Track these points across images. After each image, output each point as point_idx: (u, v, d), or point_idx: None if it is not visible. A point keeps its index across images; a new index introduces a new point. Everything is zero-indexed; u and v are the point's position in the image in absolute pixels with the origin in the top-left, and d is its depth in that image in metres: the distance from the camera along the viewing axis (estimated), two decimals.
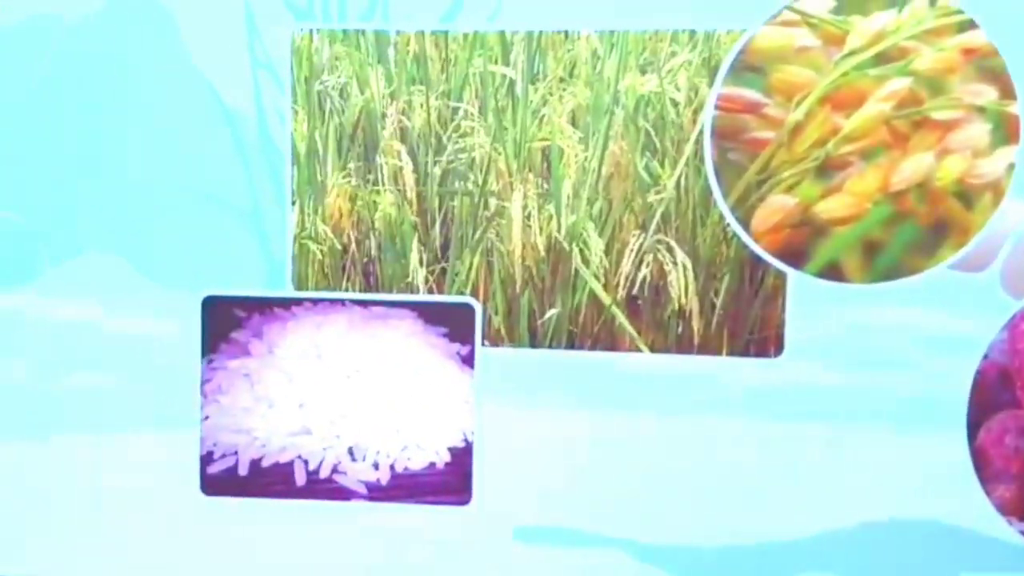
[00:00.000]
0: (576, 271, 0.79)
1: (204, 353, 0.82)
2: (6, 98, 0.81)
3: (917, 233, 0.75)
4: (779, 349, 0.78)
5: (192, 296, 0.81)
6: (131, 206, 0.81)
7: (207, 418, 0.82)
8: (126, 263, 0.81)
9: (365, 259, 0.80)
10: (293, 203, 0.80)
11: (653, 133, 0.77)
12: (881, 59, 0.74)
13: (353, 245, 0.80)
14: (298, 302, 0.81)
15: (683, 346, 0.78)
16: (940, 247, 0.76)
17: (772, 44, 0.75)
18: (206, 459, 0.82)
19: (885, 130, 0.75)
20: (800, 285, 0.77)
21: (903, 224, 0.75)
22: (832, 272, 0.76)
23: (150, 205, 0.81)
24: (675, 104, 0.77)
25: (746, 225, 0.77)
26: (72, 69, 0.80)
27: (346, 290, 0.81)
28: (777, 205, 0.76)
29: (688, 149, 0.77)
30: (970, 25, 0.73)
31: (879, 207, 0.75)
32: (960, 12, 0.73)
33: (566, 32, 0.77)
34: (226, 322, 0.81)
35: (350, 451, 0.81)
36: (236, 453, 0.82)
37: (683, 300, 0.78)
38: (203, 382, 0.82)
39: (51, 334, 0.82)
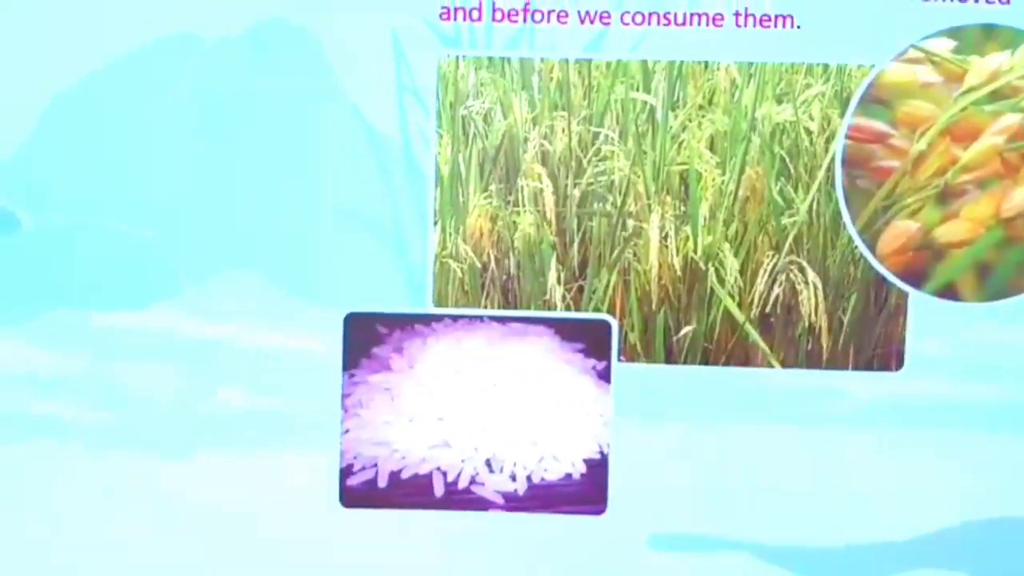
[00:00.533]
0: (711, 290, 0.82)
1: (346, 368, 0.84)
2: (146, 118, 0.82)
3: None
4: (900, 363, 0.82)
5: (335, 313, 0.83)
6: (275, 225, 0.83)
7: (348, 431, 0.84)
8: (269, 281, 0.83)
9: (504, 277, 0.83)
10: (435, 223, 0.83)
11: (787, 159, 0.81)
12: (996, 96, 0.79)
13: (493, 264, 0.83)
14: (438, 319, 0.84)
15: (812, 361, 0.83)
16: None
17: (898, 80, 0.80)
18: (346, 472, 0.84)
19: (998, 161, 0.80)
20: (920, 304, 0.82)
21: (1013, 248, 0.81)
22: (949, 292, 0.81)
23: (294, 224, 0.83)
24: (809, 133, 0.81)
25: (872, 247, 0.81)
26: (213, 89, 0.82)
27: (485, 307, 0.84)
28: (901, 229, 0.81)
29: (820, 175, 0.81)
30: None
31: (992, 232, 0.80)
32: None
33: (706, 62, 0.81)
34: (368, 338, 0.84)
35: (488, 463, 0.84)
36: (376, 465, 0.84)
37: (813, 318, 0.82)
38: (344, 396, 0.84)
39: (194, 351, 0.84)
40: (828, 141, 0.81)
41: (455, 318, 0.84)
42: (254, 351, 0.84)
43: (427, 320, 0.84)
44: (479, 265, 0.83)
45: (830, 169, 0.81)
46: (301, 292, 0.84)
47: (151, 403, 0.84)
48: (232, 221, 0.83)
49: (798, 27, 0.80)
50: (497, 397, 0.84)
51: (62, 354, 0.84)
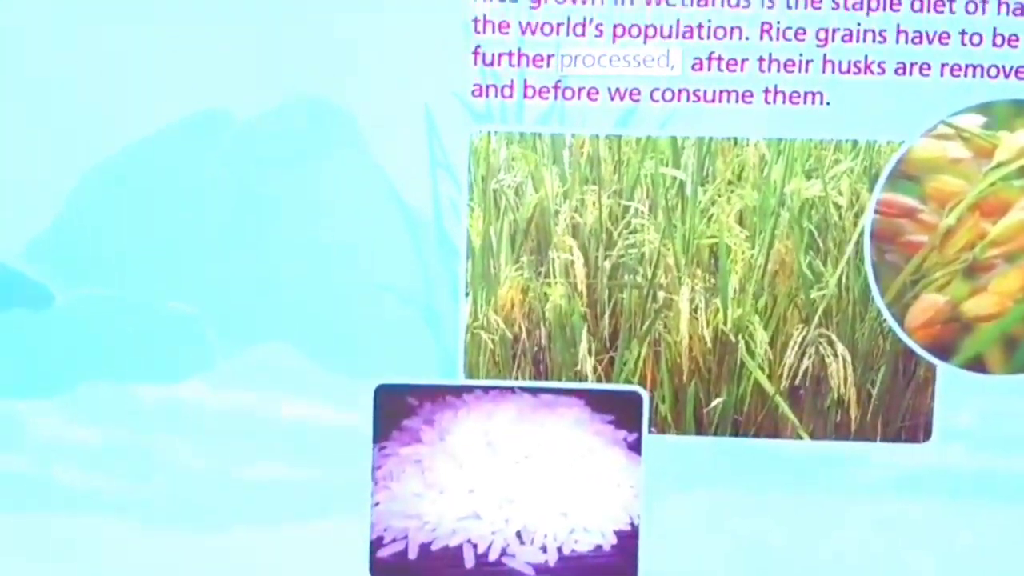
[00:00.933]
0: (742, 362, 0.83)
1: (376, 440, 0.84)
2: (179, 193, 0.83)
3: None
4: (928, 435, 0.83)
5: (366, 385, 0.84)
6: (308, 298, 0.83)
7: (378, 504, 0.84)
8: (301, 353, 0.84)
9: (535, 348, 0.84)
10: (467, 294, 0.83)
11: (816, 234, 0.82)
12: None
13: (524, 335, 0.84)
14: (469, 390, 0.84)
15: (841, 433, 0.83)
16: None
17: (928, 155, 0.81)
18: (376, 543, 0.85)
19: None
20: (948, 376, 0.82)
21: None
22: (977, 364, 0.82)
23: (327, 297, 0.84)
24: (838, 208, 0.82)
25: (901, 321, 0.82)
26: (245, 165, 0.83)
27: (516, 378, 0.84)
28: (929, 303, 0.82)
29: (849, 249, 0.82)
30: None
31: (1020, 306, 0.81)
32: None
33: (735, 139, 0.82)
34: (399, 410, 0.84)
35: (518, 534, 0.84)
36: (406, 537, 0.84)
37: (842, 390, 0.83)
38: (375, 468, 0.85)
39: (226, 424, 0.84)
40: (857, 216, 0.82)
41: (486, 389, 0.84)
42: (286, 423, 0.84)
43: (458, 391, 0.84)
44: (510, 336, 0.84)
45: (859, 243, 0.82)
46: (333, 364, 0.84)
47: (184, 476, 0.84)
48: (265, 294, 0.84)
49: (827, 104, 0.81)
50: (528, 469, 0.84)
51: (96, 427, 0.84)
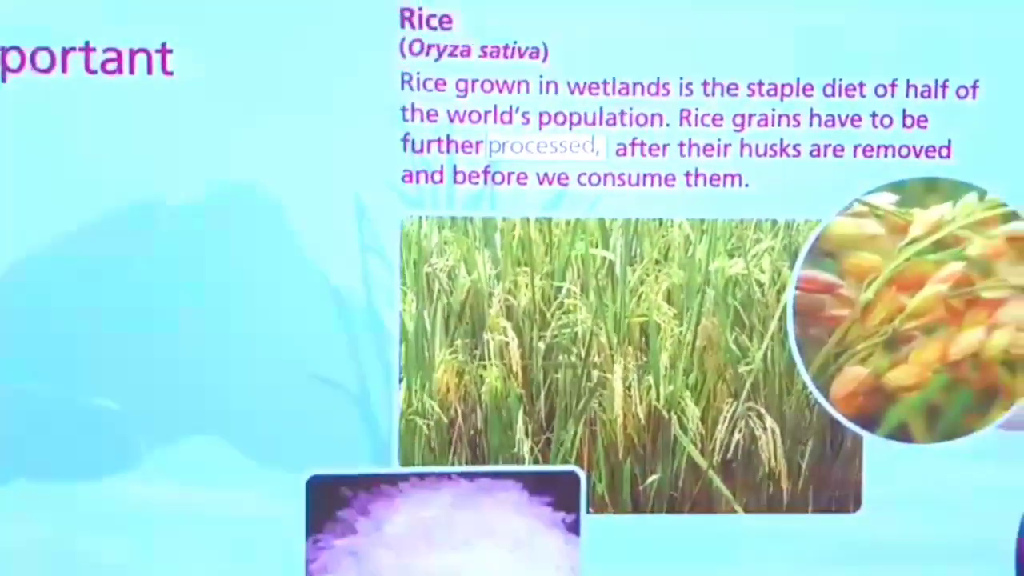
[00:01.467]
0: (675, 438, 0.84)
1: (309, 533, 0.82)
2: (104, 282, 0.81)
3: (971, 398, 0.85)
4: (858, 505, 0.85)
5: (298, 477, 0.82)
6: (236, 388, 0.82)
7: None
8: (231, 446, 0.82)
9: (472, 432, 0.84)
10: (401, 380, 0.83)
11: (741, 310, 0.85)
12: (939, 246, 0.84)
13: (460, 419, 0.83)
14: (404, 478, 0.83)
15: (773, 505, 0.85)
16: (991, 410, 0.85)
17: (844, 232, 0.84)
18: None
19: (943, 308, 0.84)
20: (874, 446, 0.85)
21: (959, 390, 0.85)
22: (901, 434, 0.85)
23: (255, 387, 0.82)
24: (760, 285, 0.85)
25: (826, 393, 0.85)
26: (173, 255, 0.81)
27: (453, 463, 0.83)
28: (852, 375, 0.85)
29: (773, 325, 0.85)
30: (1013, 216, 0.84)
31: (939, 376, 0.85)
32: (1004, 205, 0.84)
33: (660, 220, 0.84)
34: (332, 501, 0.83)
35: None
36: None
37: (773, 463, 0.84)
38: (308, 562, 0.82)
39: (153, 521, 0.81)
40: (779, 292, 0.85)
41: (422, 476, 0.83)
42: (215, 519, 0.82)
43: (393, 480, 0.83)
44: (446, 421, 0.83)
45: (782, 319, 0.84)
46: (263, 456, 0.82)
47: (107, 573, 0.81)
48: (192, 386, 0.82)
49: (746, 185, 0.84)
50: (467, 556, 0.83)
51: (19, 525, 0.80)
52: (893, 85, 0.83)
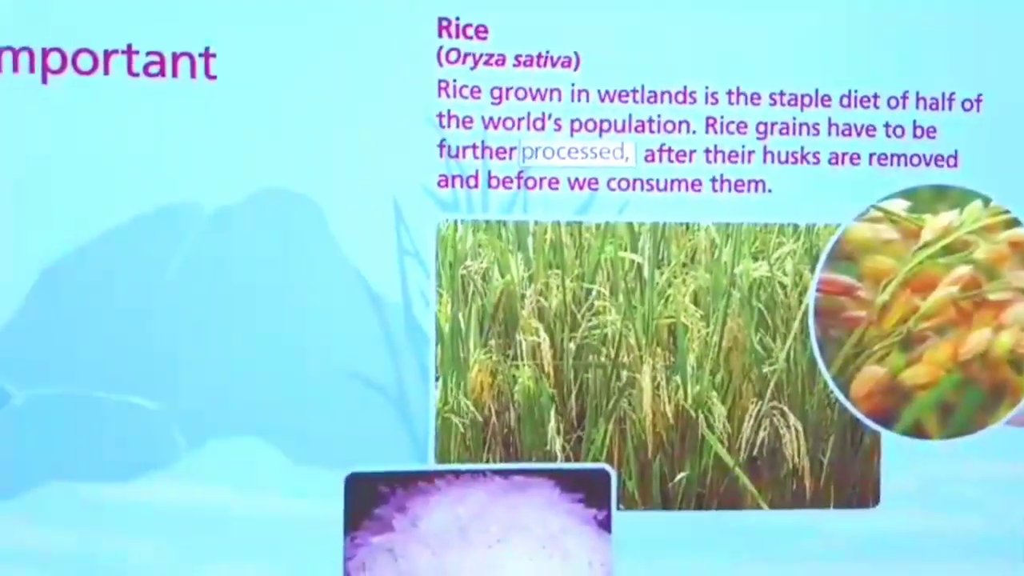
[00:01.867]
0: (703, 436, 0.87)
1: (347, 531, 0.84)
2: (145, 283, 0.82)
3: (981, 396, 0.88)
4: (876, 500, 0.88)
5: (336, 475, 0.83)
6: (275, 388, 0.83)
7: None
8: (270, 445, 0.83)
9: (505, 430, 0.85)
10: (437, 379, 0.85)
11: (765, 312, 0.88)
12: (948, 250, 0.88)
13: (494, 417, 0.85)
14: (441, 475, 0.85)
15: (797, 501, 0.87)
16: (999, 407, 0.89)
17: (862, 237, 0.88)
18: None
19: (953, 310, 0.88)
20: (892, 443, 0.88)
21: (971, 389, 0.88)
22: (917, 431, 0.88)
23: (295, 387, 0.83)
24: (783, 287, 0.88)
25: (846, 392, 0.88)
26: (212, 257, 0.83)
27: (487, 461, 0.85)
28: (870, 374, 0.88)
29: (795, 326, 0.88)
30: (1015, 223, 0.89)
31: (951, 375, 0.88)
32: (1007, 212, 0.88)
33: (687, 224, 0.87)
34: (369, 499, 0.84)
35: None
36: None
37: (796, 460, 0.87)
38: (346, 559, 0.83)
39: (192, 520, 0.82)
40: (801, 294, 0.88)
41: (457, 474, 0.85)
42: (254, 517, 0.83)
43: (429, 477, 0.85)
44: (481, 419, 0.85)
45: (804, 320, 0.88)
46: (302, 455, 0.83)
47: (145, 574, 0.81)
48: (231, 386, 0.83)
49: (769, 191, 0.87)
50: (501, 552, 0.85)
51: (54, 528, 0.80)
52: (904, 97, 0.87)
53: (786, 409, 0.88)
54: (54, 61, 0.81)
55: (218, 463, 0.83)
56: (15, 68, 0.80)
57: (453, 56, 0.84)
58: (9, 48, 0.80)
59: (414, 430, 0.84)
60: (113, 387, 0.82)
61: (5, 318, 0.81)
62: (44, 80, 0.81)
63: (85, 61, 0.81)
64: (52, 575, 0.80)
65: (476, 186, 0.85)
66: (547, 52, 0.85)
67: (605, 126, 0.86)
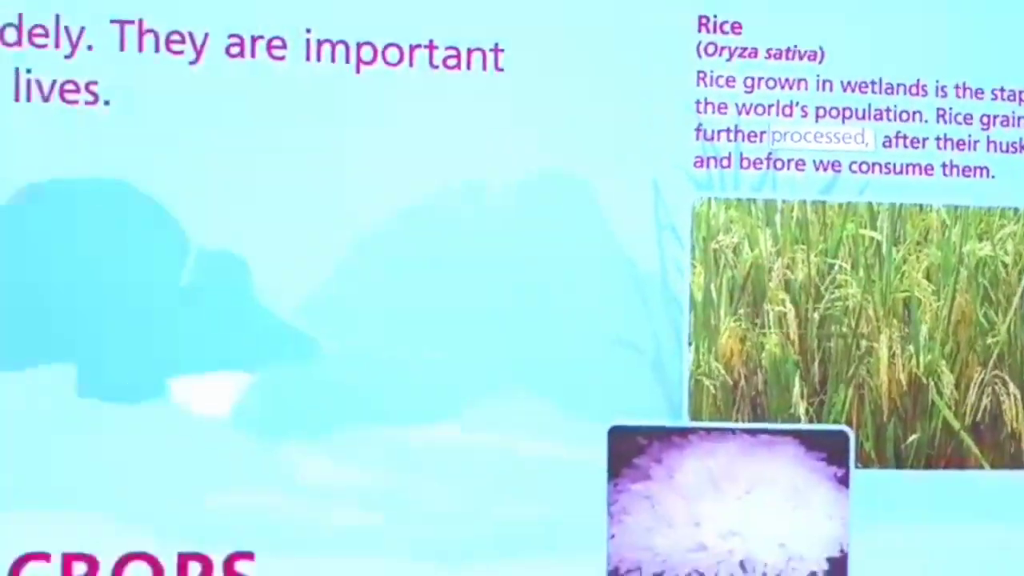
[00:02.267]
0: (932, 401, 0.94)
1: (610, 478, 0.91)
2: (441, 252, 0.90)
3: None
4: None
5: (600, 427, 0.91)
6: (546, 348, 0.91)
7: (613, 536, 0.91)
8: (542, 398, 0.91)
9: (753, 393, 0.93)
10: (690, 344, 0.92)
11: (989, 288, 0.95)
12: None
13: (743, 380, 0.93)
14: (694, 431, 0.92)
15: (1015, 462, 0.95)
16: None
17: None
18: (612, 575, 0.90)
19: None
20: None
21: None
22: None
23: (564, 348, 0.91)
24: (1005, 266, 0.95)
25: None
26: (495, 229, 0.91)
27: (736, 420, 0.93)
28: None
29: (1016, 301, 0.95)
30: None
31: None
32: None
33: (920, 205, 0.94)
34: (630, 450, 0.92)
35: (741, 564, 0.91)
36: (640, 569, 0.91)
37: (1015, 424, 0.94)
38: (610, 504, 0.91)
39: (472, 464, 0.90)
40: (1021, 272, 0.95)
41: (709, 431, 0.92)
42: (527, 463, 0.90)
43: (683, 433, 0.92)
44: (730, 382, 0.93)
45: (1023, 296, 0.95)
46: (570, 409, 0.91)
47: (432, 513, 0.89)
48: (509, 345, 0.91)
49: (993, 177, 0.94)
50: (748, 503, 0.92)
51: (356, 467, 0.88)
52: None
53: (1007, 378, 0.95)
54: (366, 54, 0.89)
55: (498, 414, 0.90)
56: (332, 59, 0.89)
57: (711, 49, 0.92)
58: (328, 40, 0.89)
59: (669, 390, 0.92)
60: (416, 343, 0.90)
61: (320, 282, 0.89)
62: (357, 71, 0.89)
63: (392, 54, 0.90)
64: (352, 508, 0.89)
65: (729, 167, 0.93)
66: (795, 46, 0.93)
67: (847, 113, 0.94)
